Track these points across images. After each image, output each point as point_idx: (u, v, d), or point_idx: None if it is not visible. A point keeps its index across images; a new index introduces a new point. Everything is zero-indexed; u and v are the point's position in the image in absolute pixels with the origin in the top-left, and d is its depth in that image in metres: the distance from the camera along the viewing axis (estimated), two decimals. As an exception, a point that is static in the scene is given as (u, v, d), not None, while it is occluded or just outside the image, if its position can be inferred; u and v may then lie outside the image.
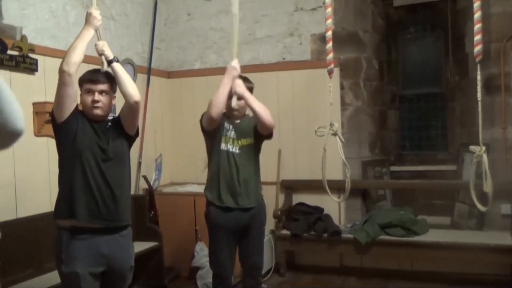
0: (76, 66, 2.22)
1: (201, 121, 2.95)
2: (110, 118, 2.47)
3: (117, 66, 2.35)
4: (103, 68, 2.37)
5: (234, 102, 2.86)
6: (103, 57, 2.36)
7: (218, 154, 2.90)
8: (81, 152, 2.26)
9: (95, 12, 2.33)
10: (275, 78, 4.65)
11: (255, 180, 2.99)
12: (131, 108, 2.37)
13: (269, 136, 3.01)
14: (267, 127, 2.89)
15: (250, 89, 2.97)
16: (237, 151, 2.90)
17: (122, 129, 2.41)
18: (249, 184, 2.92)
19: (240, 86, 2.84)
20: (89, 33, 2.31)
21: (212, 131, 2.90)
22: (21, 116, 1.60)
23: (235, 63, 2.86)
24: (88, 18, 2.32)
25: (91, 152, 2.27)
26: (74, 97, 2.30)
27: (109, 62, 2.34)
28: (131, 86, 2.35)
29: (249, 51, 4.73)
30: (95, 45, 2.35)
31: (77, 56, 2.22)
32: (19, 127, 1.57)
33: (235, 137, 2.92)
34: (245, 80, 2.96)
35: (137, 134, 2.53)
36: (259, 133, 2.95)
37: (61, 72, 2.21)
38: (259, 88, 4.53)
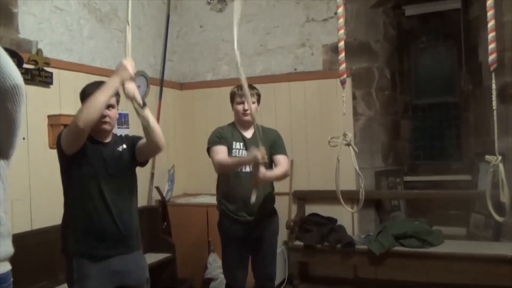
0: (92, 123, 2.06)
1: (208, 151, 2.95)
2: (119, 135, 2.44)
3: (149, 113, 2.16)
4: (139, 114, 2.11)
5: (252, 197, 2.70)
6: (134, 103, 2.11)
7: (232, 174, 2.89)
8: (87, 182, 2.21)
9: (128, 65, 2.07)
10: (287, 88, 4.66)
11: (268, 191, 2.98)
12: (154, 153, 2.38)
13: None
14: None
15: (258, 96, 2.98)
16: (249, 171, 2.85)
17: (133, 157, 2.36)
18: (262, 197, 2.92)
19: (265, 174, 2.65)
20: (114, 87, 2.09)
21: None
22: (18, 72, 1.65)
23: (258, 153, 2.58)
24: (118, 70, 2.09)
25: (96, 183, 2.22)
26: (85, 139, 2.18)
27: (144, 105, 2.11)
28: (160, 135, 2.24)
29: (261, 62, 4.75)
30: (124, 87, 2.10)
31: (96, 113, 2.05)
32: (18, 82, 1.62)
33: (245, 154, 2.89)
34: (251, 87, 2.96)
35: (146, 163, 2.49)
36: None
37: (76, 127, 2.04)
38: (271, 99, 4.58)
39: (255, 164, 2.60)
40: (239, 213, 2.89)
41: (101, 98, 2.06)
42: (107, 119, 2.26)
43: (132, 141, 2.40)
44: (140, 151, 2.35)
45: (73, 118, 2.09)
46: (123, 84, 2.08)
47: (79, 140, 2.13)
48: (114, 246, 2.25)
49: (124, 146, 2.36)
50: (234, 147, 2.91)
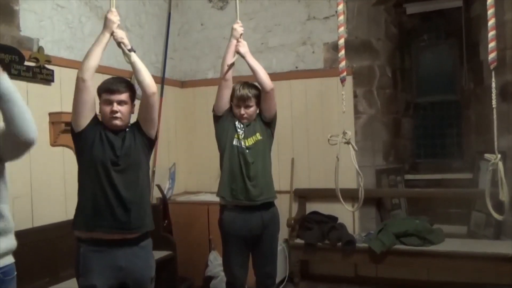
0: (90, 71, 2.22)
1: (213, 110, 3.02)
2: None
3: (135, 56, 2.35)
4: (126, 57, 2.34)
5: (233, 59, 2.96)
6: (122, 46, 2.33)
7: (229, 151, 2.94)
8: (95, 162, 2.26)
9: (111, 15, 2.31)
10: (288, 87, 4.65)
11: (264, 177, 2.99)
12: (148, 101, 2.34)
13: (273, 116, 3.04)
14: (265, 88, 2.92)
15: (257, 98, 3.02)
16: (246, 150, 2.93)
17: (142, 134, 2.39)
18: (258, 179, 2.93)
19: (243, 46, 2.96)
20: (105, 37, 2.28)
21: (222, 117, 2.97)
22: (34, 126, 1.66)
23: (237, 25, 2.99)
24: (104, 22, 2.31)
25: (103, 163, 2.26)
26: (91, 105, 2.28)
27: (129, 50, 2.32)
28: (149, 76, 2.35)
29: (262, 60, 4.70)
30: (113, 33, 2.31)
31: (91, 61, 2.22)
32: (31, 136, 1.64)
33: (243, 135, 2.97)
34: (251, 87, 3.01)
35: (156, 137, 2.50)
36: (265, 116, 3.00)
37: (77, 78, 2.22)
38: (272, 97, 4.57)
39: (236, 37, 2.99)
40: (239, 197, 2.89)
41: (93, 47, 2.26)
42: (118, 114, 2.29)
43: (136, 121, 2.45)
44: (140, 113, 2.40)
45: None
46: (112, 33, 2.30)
47: (84, 94, 2.23)
48: (122, 226, 2.27)
49: (127, 129, 2.38)
50: (235, 124, 2.98)
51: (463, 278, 3.97)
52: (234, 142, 2.95)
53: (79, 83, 2.21)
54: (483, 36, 4.12)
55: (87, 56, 2.24)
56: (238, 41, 2.98)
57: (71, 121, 2.31)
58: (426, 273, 4.17)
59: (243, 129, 2.98)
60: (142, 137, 2.40)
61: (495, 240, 4.03)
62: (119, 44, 2.33)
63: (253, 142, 2.97)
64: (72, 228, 2.35)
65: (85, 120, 2.27)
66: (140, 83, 2.35)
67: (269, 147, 3.09)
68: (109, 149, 2.29)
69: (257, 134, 2.99)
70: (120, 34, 2.32)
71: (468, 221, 4.39)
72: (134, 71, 2.36)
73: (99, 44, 2.26)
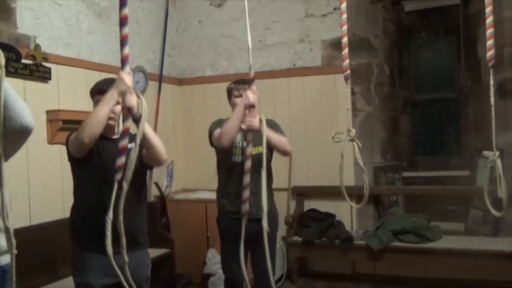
0: (94, 139, 2.11)
1: (210, 137, 2.95)
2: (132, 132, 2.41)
3: (146, 127, 2.10)
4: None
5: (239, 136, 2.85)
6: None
7: (228, 165, 2.91)
8: (94, 180, 2.24)
9: (125, 76, 1.95)
10: (286, 84, 4.65)
11: (266, 189, 2.97)
12: (154, 165, 2.42)
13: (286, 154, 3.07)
14: (285, 155, 2.99)
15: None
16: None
17: (141, 159, 2.34)
18: (259, 193, 2.91)
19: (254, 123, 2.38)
20: (113, 97, 2.03)
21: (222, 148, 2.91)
22: (28, 112, 1.59)
23: (252, 95, 2.47)
24: (116, 81, 2.01)
25: (104, 181, 2.18)
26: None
27: (136, 121, 1.94)
28: (159, 150, 2.24)
29: (260, 58, 4.74)
30: (123, 98, 1.96)
31: (100, 127, 2.11)
32: (25, 122, 1.55)
33: (245, 146, 2.91)
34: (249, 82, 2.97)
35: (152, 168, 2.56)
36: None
37: (81, 142, 2.11)
38: (271, 95, 4.58)
39: (247, 107, 2.51)
40: (238, 213, 2.89)
41: (101, 111, 2.10)
42: (112, 115, 2.26)
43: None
44: (144, 157, 2.33)
45: (78, 130, 2.14)
46: (123, 96, 1.97)
47: (84, 150, 2.19)
48: (117, 244, 2.26)
49: (133, 144, 2.33)
50: (236, 138, 2.90)
51: (460, 275, 3.98)
52: (233, 159, 2.90)
53: (83, 146, 2.13)
54: (481, 33, 4.12)
55: (94, 120, 2.10)
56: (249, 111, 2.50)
57: (69, 148, 2.27)
58: (424, 270, 4.18)
59: (242, 139, 2.90)
60: (143, 163, 2.35)
61: (493, 237, 4.04)
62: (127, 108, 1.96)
63: (256, 152, 2.85)
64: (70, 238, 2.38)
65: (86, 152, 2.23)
66: (149, 156, 2.25)
67: (271, 158, 3.03)
68: (110, 165, 2.20)
69: (261, 147, 2.93)
70: (130, 101, 1.93)
71: (466, 218, 4.40)
72: (144, 143, 2.17)
73: (106, 106, 2.08)
